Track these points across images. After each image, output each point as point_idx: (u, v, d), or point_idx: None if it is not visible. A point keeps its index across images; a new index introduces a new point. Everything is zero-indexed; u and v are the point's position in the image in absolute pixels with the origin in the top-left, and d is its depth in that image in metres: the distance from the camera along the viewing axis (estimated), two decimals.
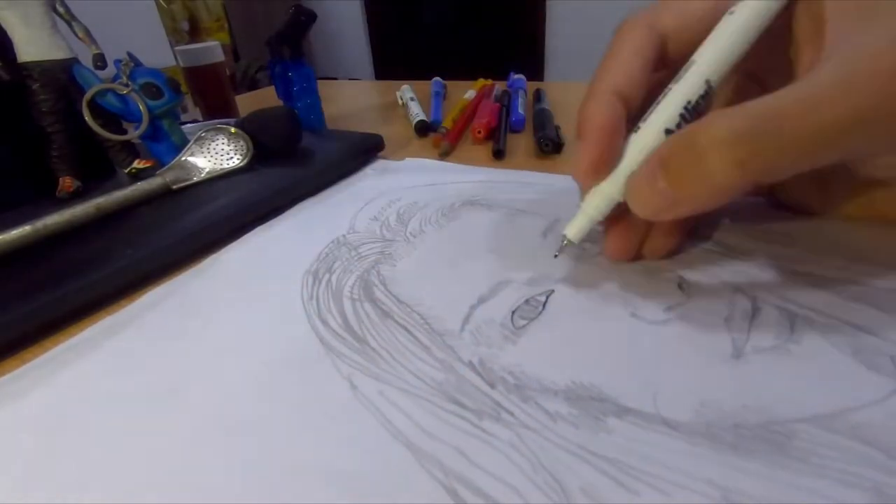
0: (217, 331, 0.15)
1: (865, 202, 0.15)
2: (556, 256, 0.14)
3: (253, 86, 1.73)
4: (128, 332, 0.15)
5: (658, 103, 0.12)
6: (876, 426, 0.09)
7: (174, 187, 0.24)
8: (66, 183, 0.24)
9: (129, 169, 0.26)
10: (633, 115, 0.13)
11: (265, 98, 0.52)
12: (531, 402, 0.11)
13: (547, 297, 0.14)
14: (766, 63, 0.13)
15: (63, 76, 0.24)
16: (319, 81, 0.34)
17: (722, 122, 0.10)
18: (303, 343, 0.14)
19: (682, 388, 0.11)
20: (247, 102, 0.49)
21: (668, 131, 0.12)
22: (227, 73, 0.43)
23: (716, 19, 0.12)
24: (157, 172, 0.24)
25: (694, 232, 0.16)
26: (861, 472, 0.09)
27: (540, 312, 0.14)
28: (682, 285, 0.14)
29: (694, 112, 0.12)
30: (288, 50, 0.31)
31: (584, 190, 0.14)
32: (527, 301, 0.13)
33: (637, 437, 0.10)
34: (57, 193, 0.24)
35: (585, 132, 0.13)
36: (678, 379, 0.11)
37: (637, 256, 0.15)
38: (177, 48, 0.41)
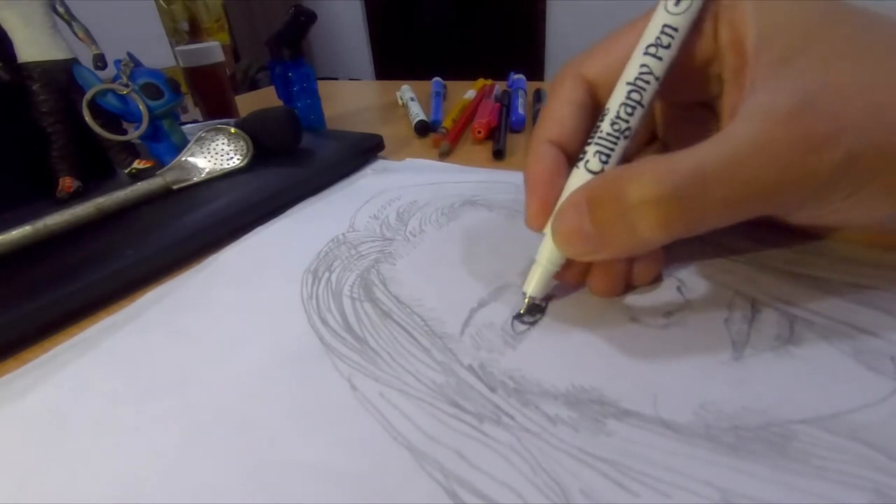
0: (217, 330, 0.15)
1: (827, 219, 0.14)
2: (522, 321, 0.13)
3: (253, 86, 1.73)
4: (127, 332, 0.15)
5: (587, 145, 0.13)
6: (876, 427, 0.09)
7: (174, 187, 0.24)
8: (67, 183, 0.24)
9: (129, 169, 0.26)
10: (573, 159, 0.13)
11: (265, 98, 0.52)
12: (531, 406, 0.11)
13: (547, 302, 0.14)
14: (700, 94, 0.13)
15: (63, 76, 0.24)
16: (319, 82, 0.34)
17: (648, 181, 0.10)
18: (303, 342, 0.14)
19: (682, 391, 0.11)
20: (247, 103, 0.49)
21: (577, 161, 0.13)
22: (228, 73, 0.43)
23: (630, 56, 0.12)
24: (158, 173, 0.24)
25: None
26: (861, 473, 0.09)
27: (540, 317, 0.14)
28: (681, 289, 0.14)
29: (594, 138, 0.12)
30: (288, 50, 0.31)
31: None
32: (527, 305, 0.13)
33: (637, 440, 0.10)
34: (57, 193, 0.24)
35: (527, 182, 0.13)
36: (678, 381, 0.11)
37: (627, 288, 0.14)
38: (177, 48, 0.41)
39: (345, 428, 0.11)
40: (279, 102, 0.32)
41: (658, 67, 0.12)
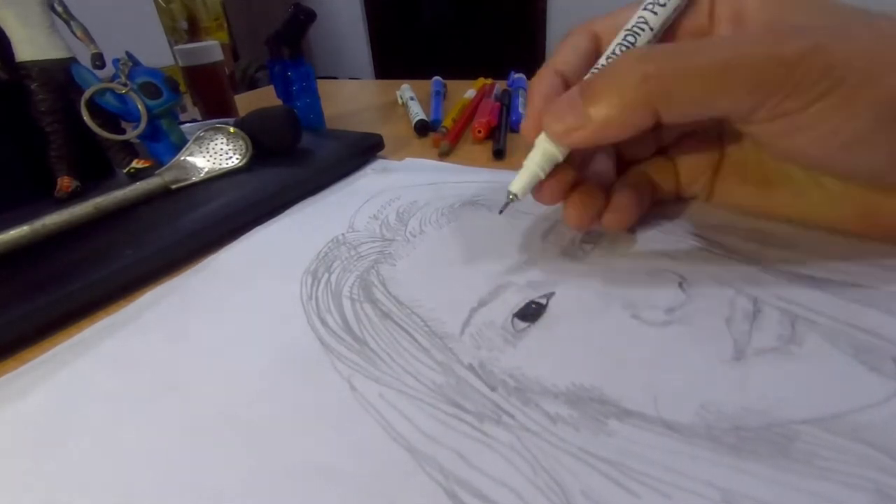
0: (216, 331, 0.15)
1: (799, 208, 0.15)
2: (500, 212, 0.15)
3: (252, 85, 1.73)
4: (127, 332, 0.15)
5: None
6: (878, 427, 0.09)
7: (173, 187, 0.24)
8: (65, 183, 0.24)
9: (127, 169, 0.26)
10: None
11: (264, 97, 0.52)
12: (532, 405, 0.11)
13: (547, 300, 0.14)
14: None
15: (61, 76, 0.24)
16: (319, 81, 0.34)
17: (635, 49, 0.13)
18: (302, 343, 0.14)
19: (683, 390, 0.11)
20: (246, 102, 0.49)
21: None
22: (227, 72, 0.43)
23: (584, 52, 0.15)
24: (156, 172, 0.24)
25: (647, 214, 0.17)
26: (863, 473, 0.09)
27: (540, 315, 0.13)
28: (683, 286, 0.14)
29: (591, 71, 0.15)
30: (287, 49, 0.31)
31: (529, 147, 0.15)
32: (527, 304, 0.13)
33: (638, 440, 0.10)
34: (55, 193, 0.24)
35: (528, 100, 0.15)
36: (679, 381, 0.11)
37: (594, 225, 0.16)
38: (176, 47, 0.41)
39: (344, 429, 0.11)
40: (278, 102, 0.32)
41: (653, 20, 0.14)
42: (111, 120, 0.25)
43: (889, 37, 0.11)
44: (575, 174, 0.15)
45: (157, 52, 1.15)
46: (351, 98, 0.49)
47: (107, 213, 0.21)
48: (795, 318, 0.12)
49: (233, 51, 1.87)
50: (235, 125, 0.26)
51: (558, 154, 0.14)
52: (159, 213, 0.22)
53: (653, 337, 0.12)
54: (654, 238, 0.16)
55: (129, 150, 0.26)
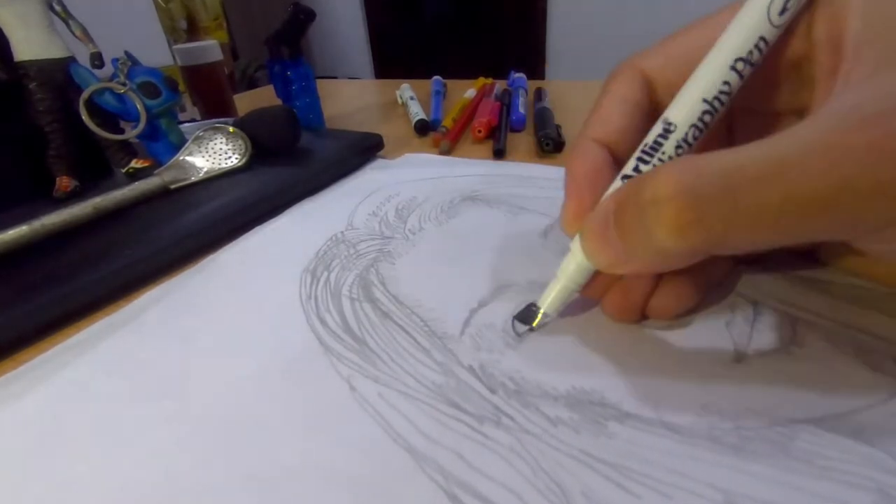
0: (215, 331, 0.15)
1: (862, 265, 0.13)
2: (532, 329, 0.12)
3: (251, 85, 1.73)
4: (125, 332, 0.15)
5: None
6: (879, 427, 0.09)
7: (172, 187, 0.23)
8: (64, 182, 0.24)
9: (126, 168, 0.26)
10: (623, 160, 0.12)
11: (264, 97, 0.52)
12: (532, 408, 0.11)
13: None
14: (785, 101, 0.11)
15: (60, 75, 0.24)
16: (318, 80, 0.34)
17: (669, 174, 0.08)
18: (301, 343, 0.14)
19: (684, 392, 0.11)
20: (245, 102, 0.49)
21: (624, 177, 0.11)
22: (226, 72, 0.43)
23: (699, 54, 0.10)
24: (155, 172, 0.24)
25: (716, 288, 0.13)
26: (864, 473, 0.09)
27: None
28: None
29: (653, 157, 0.11)
30: (287, 49, 0.30)
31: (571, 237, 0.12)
32: (527, 306, 0.13)
33: (639, 441, 0.10)
34: (54, 193, 0.24)
35: (568, 178, 0.12)
36: (679, 384, 0.11)
37: (643, 317, 0.12)
38: (175, 47, 0.41)
39: (344, 429, 0.11)
40: (278, 101, 0.32)
41: (738, 85, 0.10)
42: (110, 119, 0.25)
43: None
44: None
45: (157, 52, 1.15)
46: (351, 98, 0.49)
47: (106, 213, 0.21)
48: (796, 319, 0.12)
49: (232, 50, 1.87)
50: (235, 125, 0.26)
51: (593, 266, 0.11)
52: (158, 213, 0.22)
53: (653, 340, 0.12)
54: None
55: (128, 150, 0.26)
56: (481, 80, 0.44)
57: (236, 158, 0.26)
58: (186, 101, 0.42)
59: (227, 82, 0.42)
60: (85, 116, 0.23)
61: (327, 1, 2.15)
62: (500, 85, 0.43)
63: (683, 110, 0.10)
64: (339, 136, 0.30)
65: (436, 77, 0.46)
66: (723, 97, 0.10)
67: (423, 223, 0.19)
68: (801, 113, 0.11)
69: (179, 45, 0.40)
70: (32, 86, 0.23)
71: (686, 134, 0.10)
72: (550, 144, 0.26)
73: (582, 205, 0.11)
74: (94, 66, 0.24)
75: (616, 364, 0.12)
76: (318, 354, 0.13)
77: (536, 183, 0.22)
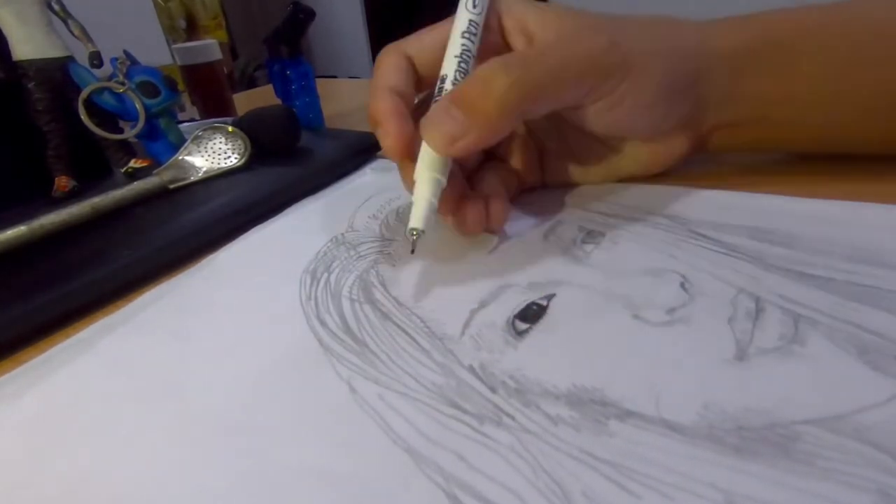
0: (214, 332, 0.15)
1: (609, 167, 0.20)
2: (412, 252, 0.15)
3: (251, 84, 1.73)
4: (125, 332, 0.15)
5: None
6: (881, 428, 0.09)
7: (171, 187, 0.23)
8: (62, 182, 0.24)
9: (125, 168, 0.25)
10: (410, 111, 0.16)
11: (263, 97, 0.52)
12: (532, 406, 0.11)
13: (548, 301, 0.14)
14: None
15: (59, 75, 0.24)
16: (318, 80, 0.34)
17: (496, 61, 0.14)
18: (301, 344, 0.14)
19: (685, 391, 0.11)
20: (244, 101, 0.49)
21: (434, 101, 0.16)
22: (225, 71, 0.42)
23: (443, 42, 0.17)
24: (154, 172, 0.24)
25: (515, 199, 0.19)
26: (866, 474, 0.09)
27: (541, 316, 0.13)
28: (684, 286, 0.14)
29: (441, 96, 0.16)
30: (286, 48, 0.30)
31: (403, 169, 0.17)
32: (528, 305, 0.13)
33: (639, 440, 0.10)
34: (53, 193, 0.24)
35: (378, 119, 0.16)
36: (681, 381, 0.11)
37: (486, 229, 0.17)
38: (174, 46, 0.41)
39: (344, 431, 0.11)
40: (277, 101, 0.32)
41: (472, 47, 0.16)
42: (109, 119, 0.25)
43: (652, 33, 0.17)
44: (459, 184, 0.17)
45: (156, 51, 1.14)
46: (350, 97, 0.49)
47: (104, 212, 0.21)
48: (798, 317, 0.12)
49: (231, 50, 1.86)
50: (234, 124, 0.26)
51: (442, 178, 0.15)
52: (157, 212, 0.22)
53: (654, 337, 0.12)
54: (655, 238, 0.16)
55: (127, 150, 0.26)
56: None
57: (235, 158, 0.26)
58: (185, 100, 0.42)
59: (226, 82, 0.42)
60: (84, 116, 0.23)
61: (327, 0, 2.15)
62: None
63: (448, 66, 0.16)
64: (338, 136, 0.30)
65: None
66: (465, 54, 0.16)
67: None
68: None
69: (178, 45, 0.40)
70: (31, 85, 0.23)
71: (454, 77, 0.16)
72: None
73: (402, 130, 0.15)
74: (93, 66, 0.24)
75: (617, 362, 0.12)
76: (317, 356, 0.13)
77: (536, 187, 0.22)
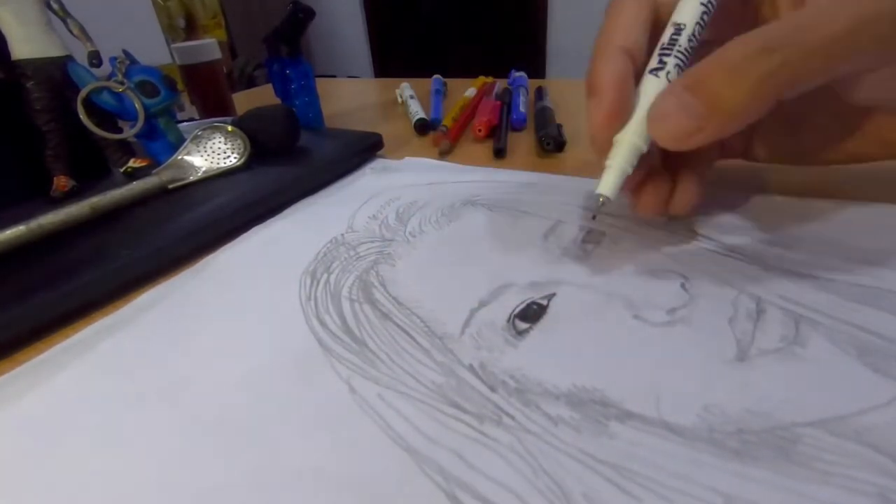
0: (214, 332, 0.15)
1: (837, 146, 0.16)
2: (593, 218, 0.15)
3: (250, 84, 1.72)
4: (124, 333, 0.15)
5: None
6: (882, 430, 0.09)
7: (170, 187, 0.23)
8: (61, 182, 0.24)
9: (124, 168, 0.25)
10: (639, 73, 0.14)
11: (263, 96, 0.52)
12: (532, 406, 0.11)
13: (549, 301, 0.14)
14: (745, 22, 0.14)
15: (58, 74, 0.23)
16: (318, 79, 0.34)
17: (748, 40, 0.11)
18: (301, 345, 0.13)
19: (686, 392, 0.11)
20: (244, 100, 0.49)
21: (652, 71, 0.13)
22: (224, 70, 0.42)
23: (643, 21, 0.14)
24: (153, 172, 0.24)
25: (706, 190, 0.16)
26: (867, 477, 0.08)
27: (542, 316, 0.13)
28: (685, 286, 0.14)
29: (672, 51, 0.13)
30: (286, 47, 0.30)
31: (599, 146, 0.14)
32: (528, 305, 0.13)
33: (640, 442, 0.10)
34: (51, 193, 0.23)
35: (597, 86, 0.13)
36: (681, 382, 0.11)
37: (665, 212, 0.15)
38: (173, 46, 0.41)
39: (343, 431, 0.11)
40: (277, 100, 0.32)
41: None
42: (108, 119, 0.25)
43: None
44: (653, 161, 0.14)
45: (155, 51, 1.14)
46: (350, 97, 0.49)
47: (103, 212, 0.21)
48: (799, 318, 0.12)
49: (231, 49, 1.86)
50: (233, 124, 0.26)
51: (643, 146, 0.13)
52: (156, 212, 0.21)
53: (655, 337, 0.12)
54: (656, 238, 0.16)
55: (126, 150, 0.26)
56: (481, 79, 0.44)
57: (235, 158, 0.25)
58: (185, 99, 0.42)
59: (225, 81, 0.42)
60: (83, 115, 0.23)
61: None
62: (500, 84, 0.43)
63: (688, 12, 0.13)
64: (338, 136, 0.30)
65: (436, 76, 0.45)
66: (714, 1, 0.13)
67: (423, 226, 0.19)
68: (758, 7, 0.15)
69: (178, 44, 0.40)
70: (30, 84, 0.23)
71: (693, 30, 0.13)
72: (551, 144, 0.26)
73: (616, 106, 0.13)
74: (92, 65, 0.24)
75: (617, 363, 0.12)
76: (317, 356, 0.13)
77: (537, 188, 0.22)
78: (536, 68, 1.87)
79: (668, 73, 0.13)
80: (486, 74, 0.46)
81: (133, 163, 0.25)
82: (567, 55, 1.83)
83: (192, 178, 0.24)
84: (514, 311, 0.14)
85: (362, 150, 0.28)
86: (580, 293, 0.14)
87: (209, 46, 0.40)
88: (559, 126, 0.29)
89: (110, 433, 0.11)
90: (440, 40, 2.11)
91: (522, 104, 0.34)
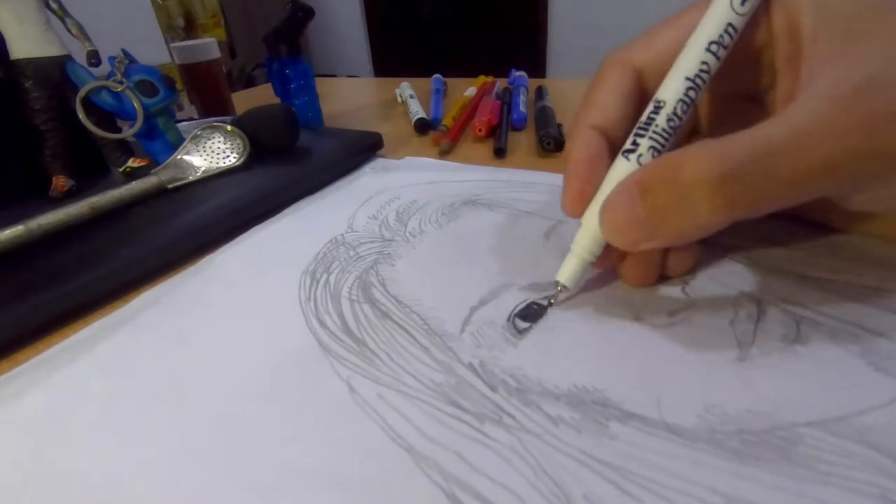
0: (213, 332, 0.15)
1: (886, 220, 0.14)
2: (551, 304, 0.13)
3: (249, 83, 1.72)
4: (123, 333, 0.15)
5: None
6: (883, 430, 0.09)
7: (169, 186, 0.23)
8: (60, 182, 0.24)
9: (123, 168, 0.25)
10: (616, 149, 0.13)
11: (262, 96, 0.52)
12: (533, 406, 0.11)
13: (549, 301, 0.14)
14: (750, 83, 0.13)
15: (56, 73, 0.23)
16: (317, 79, 0.34)
17: (707, 160, 0.10)
18: (300, 345, 0.13)
19: (686, 392, 0.11)
20: (243, 100, 0.48)
21: (624, 152, 0.12)
22: (224, 70, 0.42)
23: (682, 45, 0.12)
24: (152, 171, 0.24)
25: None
26: (868, 478, 0.08)
27: (542, 316, 0.13)
28: (685, 289, 0.14)
29: (648, 131, 0.12)
30: (285, 47, 0.30)
31: (573, 217, 0.13)
32: (528, 304, 0.13)
33: (640, 443, 0.10)
34: (50, 193, 0.23)
35: (569, 162, 0.13)
36: (682, 383, 0.11)
37: (661, 277, 0.14)
38: (172, 45, 0.41)
39: (343, 431, 0.11)
40: (276, 100, 0.32)
41: (715, 65, 0.12)
42: (107, 118, 0.25)
43: None
44: None
45: (154, 50, 1.14)
46: (350, 96, 0.49)
47: (102, 212, 0.21)
48: (800, 318, 0.12)
49: (230, 48, 1.86)
50: (233, 123, 0.26)
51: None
52: (155, 212, 0.21)
53: (656, 338, 0.12)
54: None
55: (125, 149, 0.26)
56: (482, 79, 0.44)
57: (234, 157, 0.25)
58: (184, 99, 0.42)
59: (224, 80, 0.42)
60: (81, 115, 0.23)
61: None
62: (500, 83, 0.43)
63: (670, 88, 0.12)
64: (338, 135, 0.30)
65: (436, 75, 0.45)
66: (703, 75, 0.12)
67: (423, 226, 0.19)
68: (755, 101, 0.14)
69: (177, 43, 0.40)
70: (28, 84, 0.23)
71: (675, 108, 0.12)
72: (552, 143, 0.26)
73: (584, 187, 0.13)
74: (91, 65, 0.24)
75: (618, 362, 0.12)
76: (317, 356, 0.13)
77: (538, 188, 0.22)
78: (536, 68, 1.87)
79: (640, 155, 0.12)
80: (487, 74, 0.46)
81: (132, 162, 0.25)
82: (567, 55, 1.83)
83: (191, 178, 0.24)
84: (514, 310, 0.14)
85: (362, 149, 0.28)
86: (581, 293, 0.14)
87: (208, 46, 0.40)
88: (559, 126, 0.29)
89: (110, 433, 0.11)
90: (440, 39, 2.11)
91: (523, 104, 0.34)
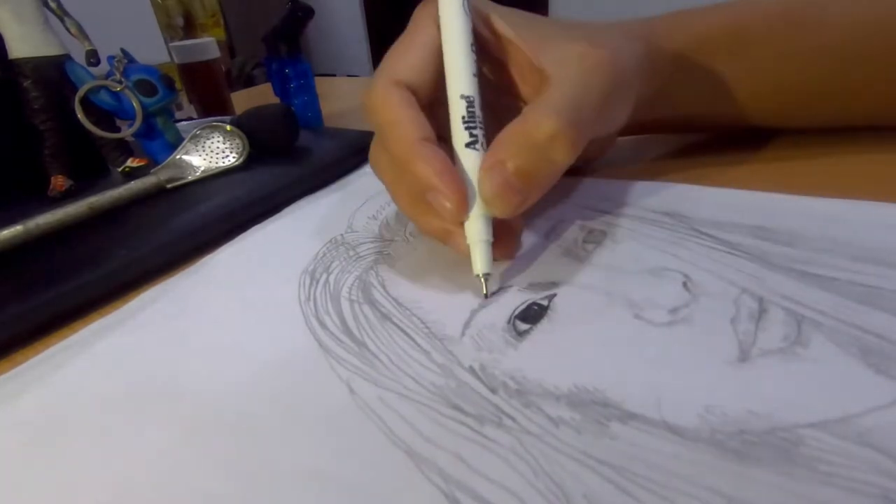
0: (212, 333, 0.14)
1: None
2: (486, 296, 0.14)
3: (249, 83, 1.72)
4: (122, 333, 0.15)
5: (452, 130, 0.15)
6: (885, 431, 0.09)
7: (168, 186, 0.23)
8: (59, 182, 0.24)
9: (122, 167, 0.25)
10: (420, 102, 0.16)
11: (261, 95, 0.52)
12: (533, 408, 0.11)
13: (549, 301, 0.14)
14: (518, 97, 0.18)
15: (55, 73, 0.23)
16: (317, 78, 0.34)
17: (552, 119, 0.14)
18: (300, 346, 0.13)
19: (687, 393, 0.11)
20: (243, 100, 0.48)
21: (468, 145, 0.15)
22: (223, 69, 0.42)
23: (432, 57, 0.16)
24: (151, 171, 0.24)
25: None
26: (869, 479, 0.08)
27: (542, 316, 0.13)
28: (686, 285, 0.14)
29: (475, 123, 0.15)
30: (285, 46, 0.30)
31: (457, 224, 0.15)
32: (528, 305, 0.13)
33: (641, 444, 0.10)
34: (49, 192, 0.23)
35: (433, 182, 0.14)
36: (683, 383, 0.11)
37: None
38: (171, 44, 0.41)
39: (343, 433, 0.11)
40: (276, 99, 0.32)
41: (474, 60, 0.15)
42: (106, 118, 0.25)
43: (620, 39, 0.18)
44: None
45: (153, 50, 1.14)
46: (349, 95, 0.49)
47: (101, 212, 0.21)
48: (801, 318, 0.12)
49: (229, 48, 1.86)
50: (232, 123, 0.26)
51: (489, 214, 0.14)
52: (154, 212, 0.21)
53: (656, 337, 0.12)
54: (657, 237, 0.16)
55: (124, 149, 0.26)
56: None
57: (233, 157, 0.25)
58: (183, 99, 0.42)
59: (224, 80, 0.42)
60: (80, 115, 0.23)
61: None
62: None
63: (465, 84, 0.15)
64: (337, 135, 0.30)
65: None
66: (475, 70, 0.15)
67: None
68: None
69: (176, 43, 0.40)
70: (27, 84, 0.23)
71: (478, 100, 0.15)
72: None
73: (460, 192, 0.14)
74: (90, 64, 0.24)
75: (619, 363, 0.12)
76: (316, 357, 0.13)
77: None
78: None
79: (481, 143, 0.15)
80: None
81: (131, 162, 0.25)
82: None
83: (190, 178, 0.24)
84: (514, 311, 0.14)
85: (362, 149, 0.28)
86: (581, 293, 0.14)
87: (208, 45, 0.40)
88: None
89: (109, 432, 0.11)
90: None
91: None
